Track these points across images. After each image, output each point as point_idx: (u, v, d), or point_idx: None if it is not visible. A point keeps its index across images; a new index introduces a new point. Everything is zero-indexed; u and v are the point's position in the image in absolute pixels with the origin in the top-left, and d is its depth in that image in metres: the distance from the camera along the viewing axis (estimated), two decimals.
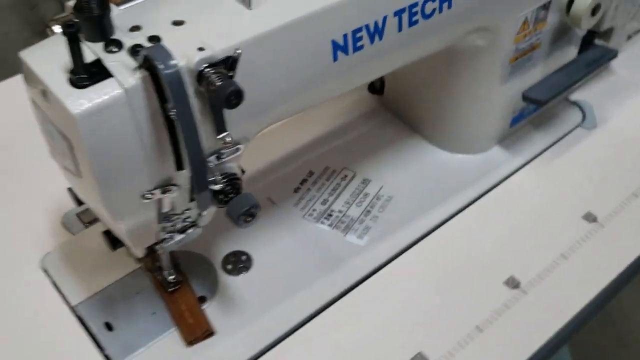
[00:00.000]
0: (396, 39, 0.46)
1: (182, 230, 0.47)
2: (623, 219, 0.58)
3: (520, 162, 0.63)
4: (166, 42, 0.38)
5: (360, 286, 0.54)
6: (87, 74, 0.36)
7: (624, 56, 0.73)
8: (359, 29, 0.44)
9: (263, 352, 0.50)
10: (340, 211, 0.59)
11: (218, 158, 0.42)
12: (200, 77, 0.37)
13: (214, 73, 0.37)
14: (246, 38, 0.39)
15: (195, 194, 0.41)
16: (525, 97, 0.60)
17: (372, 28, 0.44)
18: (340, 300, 0.53)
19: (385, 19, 0.45)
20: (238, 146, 0.43)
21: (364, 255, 0.56)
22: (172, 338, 0.51)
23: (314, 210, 0.59)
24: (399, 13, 0.45)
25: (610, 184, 0.61)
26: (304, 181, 0.62)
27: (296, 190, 0.61)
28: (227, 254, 0.56)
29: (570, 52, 0.63)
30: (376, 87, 0.69)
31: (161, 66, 0.35)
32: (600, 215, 0.59)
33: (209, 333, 0.51)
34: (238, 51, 0.38)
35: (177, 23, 0.40)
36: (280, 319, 0.52)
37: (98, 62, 0.37)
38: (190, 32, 0.39)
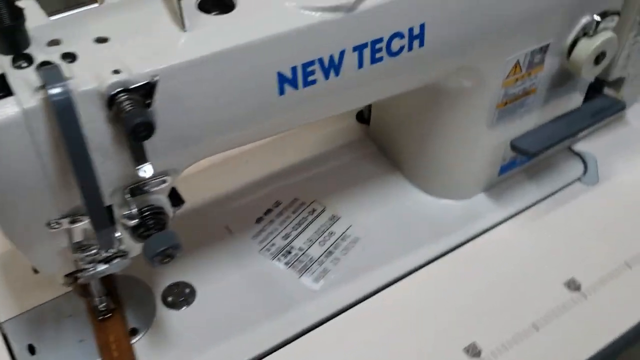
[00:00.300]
0: (357, 75, 0.42)
1: (106, 260, 0.43)
2: (609, 292, 0.53)
3: (506, 214, 0.58)
4: (81, 61, 0.35)
5: (309, 334, 0.50)
6: None
7: (637, 108, 0.67)
8: (311, 63, 0.40)
9: None
10: (300, 249, 0.55)
11: (136, 190, 0.39)
12: (111, 102, 0.34)
13: (126, 99, 0.34)
14: (173, 63, 0.36)
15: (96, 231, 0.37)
16: (513, 147, 0.54)
17: (326, 62, 0.40)
18: (284, 348, 0.49)
19: (342, 53, 0.40)
20: (164, 178, 0.40)
21: (317, 301, 0.51)
22: None
23: (272, 244, 0.55)
24: (359, 48, 0.41)
25: (601, 250, 0.55)
26: (268, 211, 0.58)
27: (258, 220, 0.57)
28: (170, 284, 0.52)
29: (574, 100, 0.57)
30: (364, 116, 0.65)
31: (51, 90, 0.31)
32: (584, 283, 0.53)
33: None
34: (156, 78, 0.34)
35: (101, 40, 0.36)
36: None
37: (3, 78, 0.34)
38: (112, 52, 0.35)
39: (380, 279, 0.53)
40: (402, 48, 0.43)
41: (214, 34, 0.37)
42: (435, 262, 0.54)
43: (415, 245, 0.55)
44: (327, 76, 0.41)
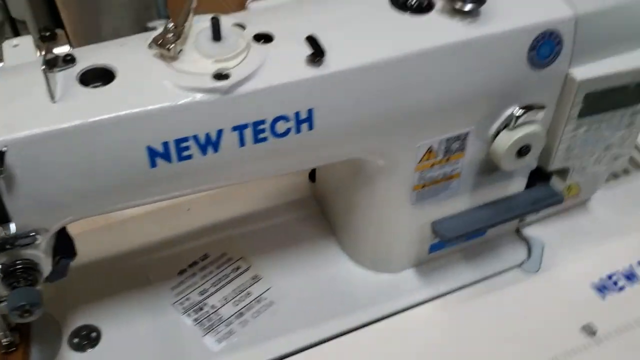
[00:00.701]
0: (241, 153, 0.42)
1: None
2: None
3: (431, 293, 0.57)
4: None
5: None
6: None
7: (605, 196, 0.64)
8: (184, 139, 0.40)
9: None
10: (213, 307, 0.55)
11: (5, 245, 0.40)
12: None
13: None
14: (32, 133, 0.37)
15: None
16: (433, 229, 0.53)
17: (202, 140, 0.41)
18: None
19: (220, 132, 0.41)
20: (35, 236, 0.41)
21: None
22: None
23: (187, 299, 0.56)
24: (239, 128, 0.41)
25: (519, 348, 0.53)
26: (194, 264, 0.59)
27: (181, 272, 0.58)
28: (80, 325, 0.54)
29: (512, 187, 0.56)
30: (313, 175, 0.65)
31: None
32: None
33: None
34: (4, 148, 0.36)
35: None
36: None
37: None
38: None
39: (281, 349, 0.53)
40: (289, 130, 0.43)
41: (83, 106, 0.39)
42: (343, 337, 0.54)
43: (328, 316, 0.55)
44: (204, 152, 0.41)
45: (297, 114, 0.42)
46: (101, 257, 0.59)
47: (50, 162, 0.38)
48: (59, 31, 0.43)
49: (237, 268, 0.58)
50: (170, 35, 0.41)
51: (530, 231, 0.62)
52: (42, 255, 0.43)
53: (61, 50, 0.41)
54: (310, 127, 0.43)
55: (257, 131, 0.42)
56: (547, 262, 0.60)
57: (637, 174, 0.68)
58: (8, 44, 0.43)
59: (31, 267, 0.42)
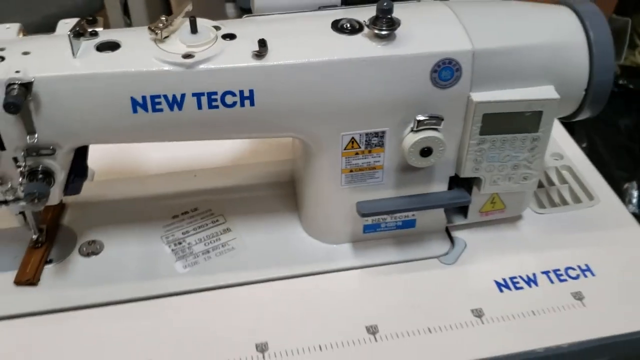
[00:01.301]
0: (199, 115, 0.59)
1: (15, 200, 0.64)
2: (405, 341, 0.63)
3: (356, 264, 0.70)
4: (7, 63, 0.57)
5: (160, 299, 0.67)
6: None
7: (536, 219, 0.75)
8: (157, 96, 0.58)
9: (51, 312, 0.65)
10: (189, 244, 0.72)
11: (31, 151, 0.60)
12: (7, 88, 0.55)
13: (12, 88, 0.55)
14: (54, 74, 0.56)
15: None
16: (359, 210, 0.67)
17: (170, 99, 0.58)
18: (132, 304, 0.67)
19: (183, 96, 0.58)
20: (53, 149, 0.60)
21: (176, 280, 0.68)
22: (11, 275, 0.68)
23: (172, 235, 0.73)
24: (197, 95, 0.59)
25: (420, 316, 0.65)
26: (185, 213, 0.76)
27: (174, 217, 0.75)
28: (89, 240, 0.72)
29: (433, 186, 0.69)
30: None
31: None
32: (382, 332, 0.64)
33: (30, 282, 0.67)
34: (32, 79, 0.55)
35: (25, 53, 0.58)
36: (84, 293, 0.67)
37: None
38: (27, 60, 0.57)
39: (229, 280, 0.68)
40: (235, 103, 0.59)
41: (92, 63, 0.58)
42: (281, 281, 0.69)
43: (271, 264, 0.70)
44: (171, 108, 0.59)
45: (241, 92, 0.59)
46: (119, 197, 0.78)
47: (64, 97, 0.57)
48: (99, 18, 0.63)
49: (216, 221, 0.75)
50: (161, 25, 0.59)
51: (458, 233, 0.74)
52: (57, 167, 0.62)
53: (92, 28, 0.61)
54: (252, 104, 0.60)
55: (210, 100, 0.59)
56: (463, 258, 0.71)
57: (575, 207, 0.78)
58: (62, 22, 0.63)
59: (48, 173, 0.61)
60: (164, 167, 0.82)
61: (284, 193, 0.78)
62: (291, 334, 0.64)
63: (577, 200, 0.79)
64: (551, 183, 0.81)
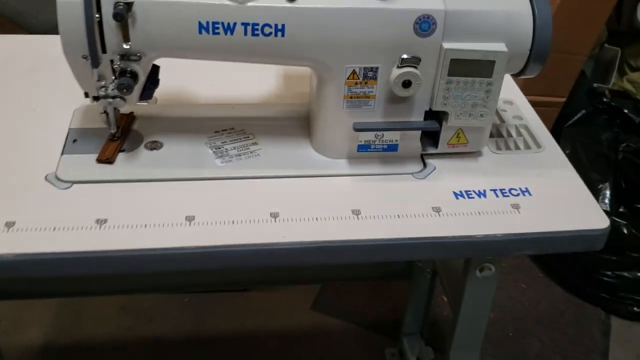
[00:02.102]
0: (244, 39, 0.83)
1: (113, 97, 0.88)
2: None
3: (348, 172, 0.93)
4: None
5: (202, 182, 0.90)
6: None
7: (494, 156, 0.98)
8: (216, 22, 0.82)
9: (121, 181, 0.89)
10: (226, 149, 0.96)
11: (124, 57, 0.84)
12: (115, 5, 0.80)
13: (120, 5, 0.79)
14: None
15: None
16: (354, 126, 0.90)
17: (225, 25, 0.82)
18: (183, 182, 0.90)
19: (235, 24, 0.83)
20: (139, 55, 0.84)
21: (215, 170, 0.92)
22: (95, 156, 0.92)
23: (214, 142, 0.97)
24: (244, 24, 0.83)
25: (380, 204, 0.88)
26: (224, 130, 0.99)
27: (216, 131, 0.99)
28: (152, 139, 0.96)
29: (413, 117, 0.92)
30: None
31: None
32: (363, 213, 0.86)
33: (108, 161, 0.91)
34: (133, 0, 0.80)
35: None
36: (145, 171, 0.90)
37: None
38: None
39: (254, 173, 0.91)
40: (270, 33, 0.83)
41: None
42: (291, 178, 0.92)
43: (285, 167, 0.93)
44: (225, 33, 0.83)
45: (275, 25, 0.83)
46: (177, 115, 1.02)
47: (153, 17, 0.82)
48: None
49: (247, 137, 0.98)
50: None
51: (430, 159, 0.96)
52: (140, 71, 0.86)
53: None
54: (283, 35, 0.84)
55: (253, 29, 0.83)
56: (431, 177, 0.94)
57: (525, 151, 1.00)
58: None
59: (134, 74, 0.85)
60: (211, 99, 1.07)
61: (300, 124, 1.02)
62: (297, 209, 0.86)
63: (527, 147, 1.01)
64: (510, 135, 1.04)
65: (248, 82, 1.12)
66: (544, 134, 1.04)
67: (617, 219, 1.72)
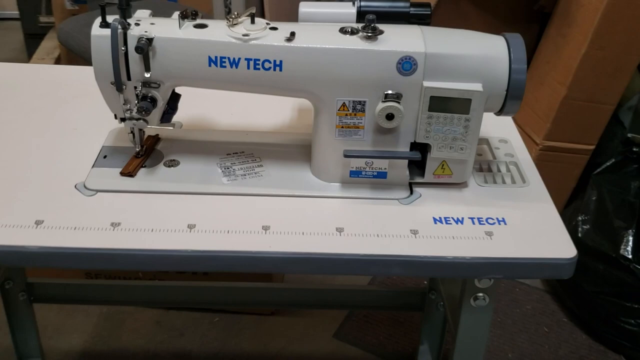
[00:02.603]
0: (247, 73, 0.96)
1: (137, 119, 1.02)
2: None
3: (339, 194, 1.03)
4: (135, 29, 0.96)
5: (209, 196, 1.02)
6: None
7: (479, 189, 1.05)
8: (223, 57, 0.95)
9: (140, 192, 1.02)
10: (233, 169, 1.07)
11: (145, 84, 0.98)
12: (138, 40, 0.94)
13: (142, 40, 0.93)
14: (165, 36, 0.95)
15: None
16: (345, 153, 1.01)
17: (231, 60, 0.95)
18: (192, 195, 1.02)
19: (239, 59, 0.95)
20: (158, 84, 0.98)
21: (218, 185, 1.04)
22: (119, 170, 1.06)
23: (224, 163, 1.09)
24: (247, 59, 0.95)
25: (363, 225, 0.97)
26: (234, 153, 1.11)
27: (228, 154, 1.11)
28: (170, 158, 1.09)
29: (399, 147, 1.01)
30: None
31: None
32: (346, 231, 0.96)
33: (130, 174, 1.05)
34: (152, 36, 0.94)
35: (152, 23, 0.97)
36: (162, 184, 1.03)
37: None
38: (148, 26, 0.96)
39: (257, 191, 1.03)
40: (269, 68, 0.95)
41: (188, 33, 0.95)
42: (288, 198, 1.02)
43: (284, 187, 1.04)
44: (231, 66, 0.96)
45: (274, 61, 0.95)
46: (195, 139, 1.15)
47: (169, 51, 0.95)
48: (200, 11, 1.02)
49: (254, 160, 1.10)
50: (232, 17, 0.96)
51: (416, 188, 1.05)
52: (159, 96, 0.99)
53: (193, 15, 0.99)
54: (280, 70, 0.96)
55: (255, 63, 0.95)
56: (416, 203, 1.03)
57: (510, 185, 1.07)
58: (176, 13, 1.01)
59: (154, 99, 0.99)
60: (227, 127, 1.19)
61: (304, 151, 1.12)
62: (286, 224, 0.97)
63: (513, 182, 1.09)
64: (499, 170, 1.11)
65: (265, 113, 1.24)
66: (532, 171, 1.11)
67: (638, 267, 1.74)
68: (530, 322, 1.92)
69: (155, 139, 1.13)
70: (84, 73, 1.35)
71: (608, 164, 1.92)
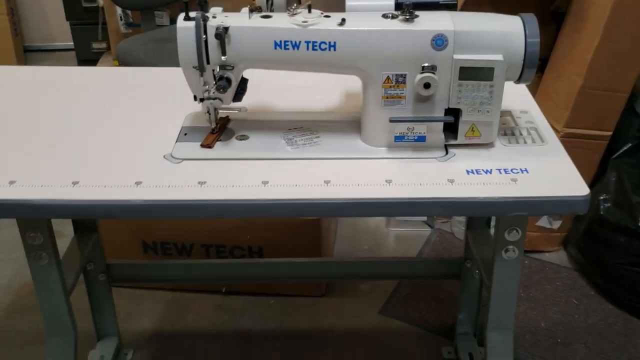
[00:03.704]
0: (306, 53, 1.16)
1: (213, 98, 1.23)
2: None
3: (386, 156, 1.22)
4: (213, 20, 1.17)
5: (279, 160, 1.22)
6: None
7: (505, 148, 1.24)
8: (287, 41, 1.16)
9: (218, 159, 1.22)
10: (295, 140, 1.27)
11: (222, 67, 1.18)
12: (217, 29, 1.15)
13: (220, 29, 1.14)
14: (236, 25, 1.16)
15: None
16: (390, 119, 1.20)
17: (293, 43, 1.15)
18: (264, 161, 1.22)
19: (300, 42, 1.15)
20: (232, 66, 1.18)
21: (283, 152, 1.23)
22: (199, 143, 1.26)
23: (288, 135, 1.28)
24: (307, 42, 1.15)
25: (408, 176, 1.16)
26: (295, 128, 1.31)
27: (289, 129, 1.31)
28: (241, 134, 1.29)
29: (436, 112, 1.20)
30: None
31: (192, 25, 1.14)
32: (394, 182, 1.14)
33: (209, 146, 1.25)
34: (228, 25, 1.15)
35: (226, 16, 1.18)
36: (236, 153, 1.23)
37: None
38: (223, 18, 1.17)
39: (315, 155, 1.22)
40: (325, 48, 1.16)
41: (256, 22, 1.16)
42: (341, 160, 1.22)
43: (338, 152, 1.23)
44: (293, 49, 1.16)
45: (329, 42, 1.15)
46: (261, 119, 1.35)
47: (242, 37, 1.16)
48: (261, 7, 1.23)
49: (312, 133, 1.29)
50: (293, 7, 1.17)
51: (452, 149, 1.24)
52: (233, 77, 1.19)
53: (258, 9, 1.20)
54: (335, 50, 1.16)
55: (313, 45, 1.15)
56: (451, 160, 1.21)
57: (530, 145, 1.25)
58: (244, 9, 1.22)
59: (228, 79, 1.19)
60: (289, 109, 1.40)
61: (354, 125, 1.32)
62: (344, 179, 1.16)
63: (533, 142, 1.27)
64: (520, 134, 1.29)
65: (319, 98, 1.44)
66: (550, 133, 1.29)
67: None
68: (560, 296, 2.07)
69: (226, 119, 1.34)
70: (161, 74, 1.57)
71: (625, 148, 2.08)
